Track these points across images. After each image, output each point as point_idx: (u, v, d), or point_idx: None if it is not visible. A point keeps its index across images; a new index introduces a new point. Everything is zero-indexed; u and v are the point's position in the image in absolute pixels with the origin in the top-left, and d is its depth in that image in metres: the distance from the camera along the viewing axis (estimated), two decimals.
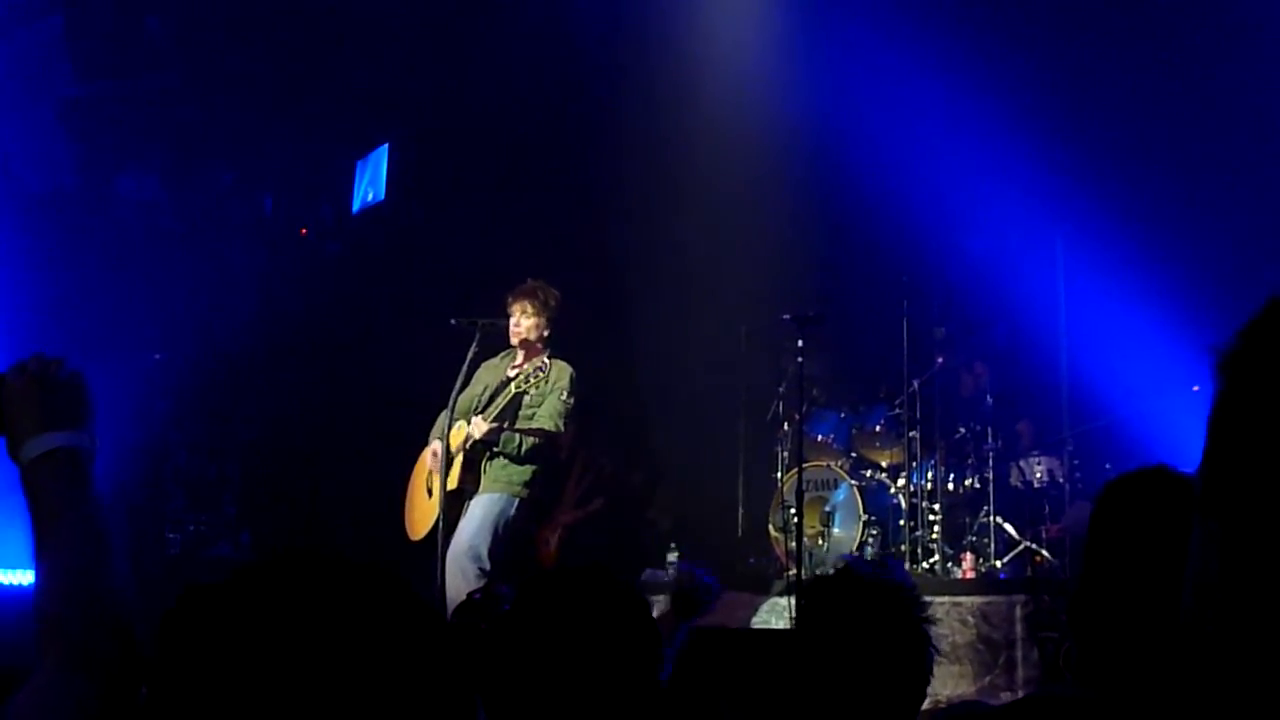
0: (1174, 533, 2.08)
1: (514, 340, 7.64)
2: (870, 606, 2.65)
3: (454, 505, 7.38)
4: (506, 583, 7.21)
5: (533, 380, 7.41)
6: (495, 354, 7.80)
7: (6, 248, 9.34)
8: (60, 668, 1.66)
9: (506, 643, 1.94)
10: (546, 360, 7.54)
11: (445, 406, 7.59)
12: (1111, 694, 1.98)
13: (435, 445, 7.57)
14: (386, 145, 10.97)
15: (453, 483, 7.36)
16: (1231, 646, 0.78)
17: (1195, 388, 8.56)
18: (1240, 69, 9.16)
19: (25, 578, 8.42)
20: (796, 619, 2.80)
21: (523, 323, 7.60)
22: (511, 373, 7.60)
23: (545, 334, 7.65)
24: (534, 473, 7.57)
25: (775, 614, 8.58)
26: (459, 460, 7.37)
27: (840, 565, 2.94)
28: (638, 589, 2.05)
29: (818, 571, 8.55)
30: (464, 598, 6.86)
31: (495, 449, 7.45)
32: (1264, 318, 0.87)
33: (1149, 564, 2.11)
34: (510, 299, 7.69)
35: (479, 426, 7.37)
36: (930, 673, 2.68)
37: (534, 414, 7.47)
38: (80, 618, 1.70)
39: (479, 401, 7.56)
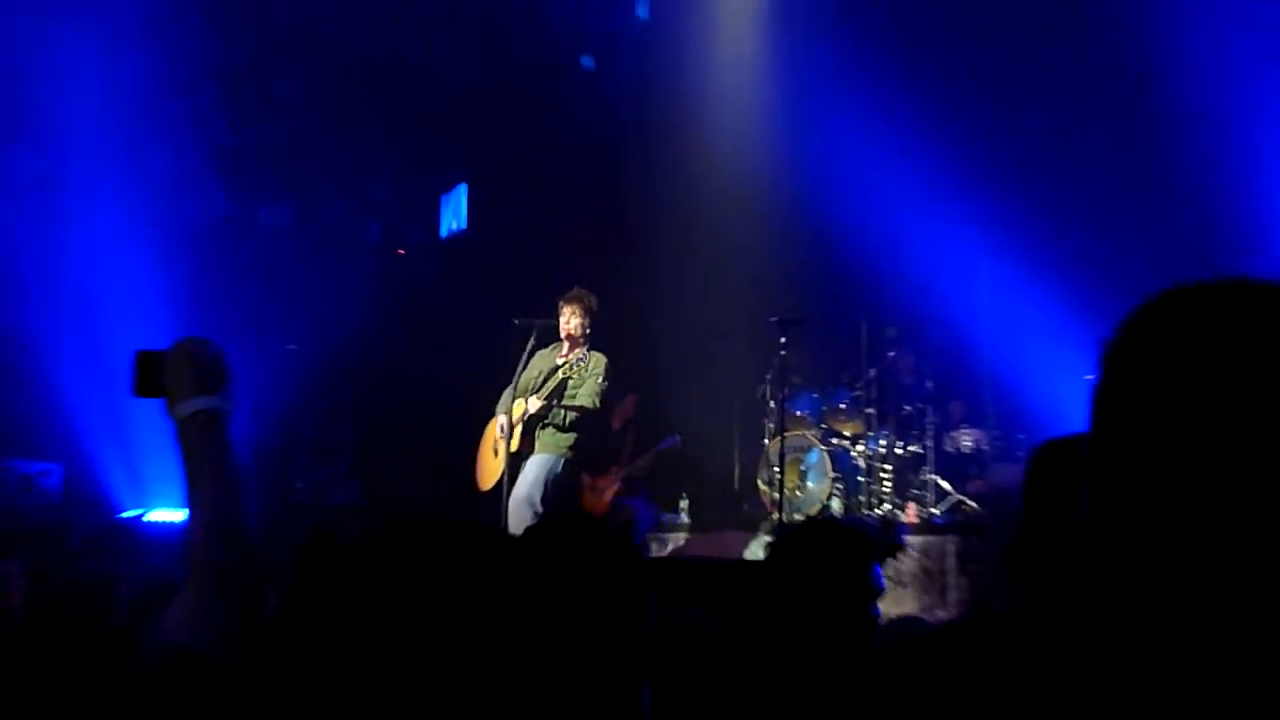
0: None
1: (562, 334, 7.59)
2: (824, 545, 2.60)
3: (514, 464, 7.33)
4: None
5: (576, 368, 7.40)
6: (547, 345, 7.71)
7: (176, 264, 9.33)
8: (202, 589, 1.67)
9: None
10: (586, 352, 7.52)
11: (509, 386, 7.56)
12: (1047, 611, 1.98)
13: (501, 419, 7.52)
14: (465, 184, 10.96)
15: (514, 446, 7.32)
16: (1107, 577, 0.79)
17: (1087, 376, 8.44)
18: (1132, 118, 9.00)
19: (177, 516, 8.38)
20: (768, 553, 2.70)
21: (571, 321, 7.55)
22: (559, 361, 7.56)
23: (587, 331, 7.59)
24: (576, 439, 7.51)
25: (762, 548, 8.50)
26: (518, 430, 7.32)
27: (805, 516, 2.91)
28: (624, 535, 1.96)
29: (795, 516, 8.51)
30: None
31: (546, 420, 7.40)
32: (1132, 320, 0.85)
33: (1072, 512, 2.00)
34: (561, 302, 7.64)
35: (534, 403, 7.34)
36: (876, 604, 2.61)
37: (576, 394, 7.42)
38: (218, 548, 1.69)
39: (534, 383, 7.52)
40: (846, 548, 2.59)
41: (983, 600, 7.64)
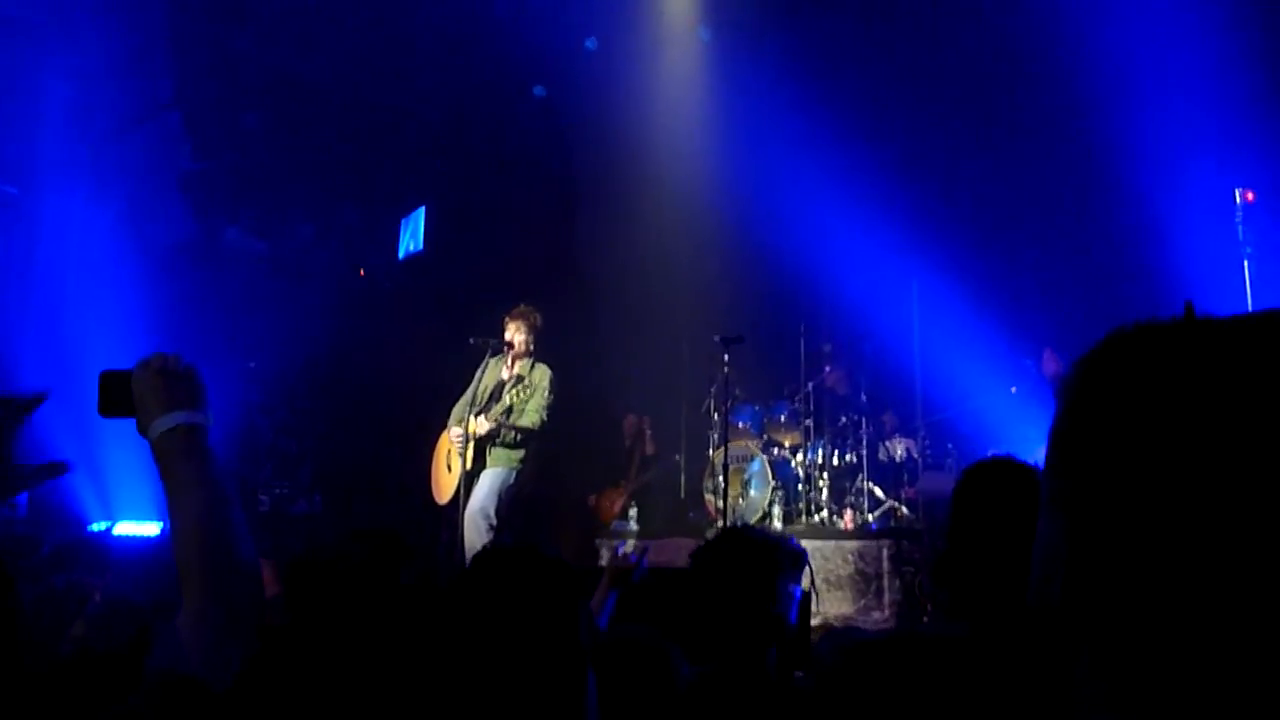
0: (1018, 510, 2.01)
1: (507, 348, 7.56)
2: (738, 552, 2.62)
3: (469, 480, 7.29)
4: (511, 534, 7.15)
5: (521, 389, 7.35)
6: (496, 355, 7.67)
7: (140, 286, 9.21)
8: (200, 605, 1.56)
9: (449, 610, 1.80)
10: (531, 364, 7.52)
11: (460, 399, 7.58)
12: (974, 632, 1.95)
13: (455, 429, 7.48)
14: (424, 207, 10.92)
15: (468, 464, 7.28)
16: (1073, 610, 0.79)
17: (1013, 389, 8.57)
18: (1063, 144, 9.15)
19: (146, 529, 8.24)
20: (691, 563, 2.73)
21: (515, 336, 7.56)
22: (505, 375, 7.53)
23: (531, 346, 7.59)
24: (526, 453, 7.48)
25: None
26: (471, 448, 7.30)
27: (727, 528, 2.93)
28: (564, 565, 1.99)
29: (737, 523, 8.54)
30: (479, 548, 6.83)
31: (496, 440, 7.37)
32: (1094, 354, 0.82)
33: (1000, 534, 2.04)
34: (506, 318, 7.65)
35: (482, 425, 7.31)
36: (788, 597, 2.62)
37: (523, 412, 7.38)
38: (212, 563, 1.59)
39: (483, 398, 7.47)
40: (757, 559, 2.61)
41: (916, 601, 7.70)
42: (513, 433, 7.35)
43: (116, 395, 1.77)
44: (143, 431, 1.72)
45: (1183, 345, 0.79)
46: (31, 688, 1.34)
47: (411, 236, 11.03)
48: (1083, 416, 0.81)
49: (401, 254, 11.12)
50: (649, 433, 10.29)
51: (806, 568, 2.74)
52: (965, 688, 1.77)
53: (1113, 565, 0.77)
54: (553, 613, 1.67)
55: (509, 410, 7.36)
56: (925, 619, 7.44)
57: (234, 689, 1.49)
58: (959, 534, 2.14)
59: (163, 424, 1.69)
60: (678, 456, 9.91)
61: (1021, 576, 1.89)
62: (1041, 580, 0.84)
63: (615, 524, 9.57)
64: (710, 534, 8.51)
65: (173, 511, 1.64)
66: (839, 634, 3.02)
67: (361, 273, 11.22)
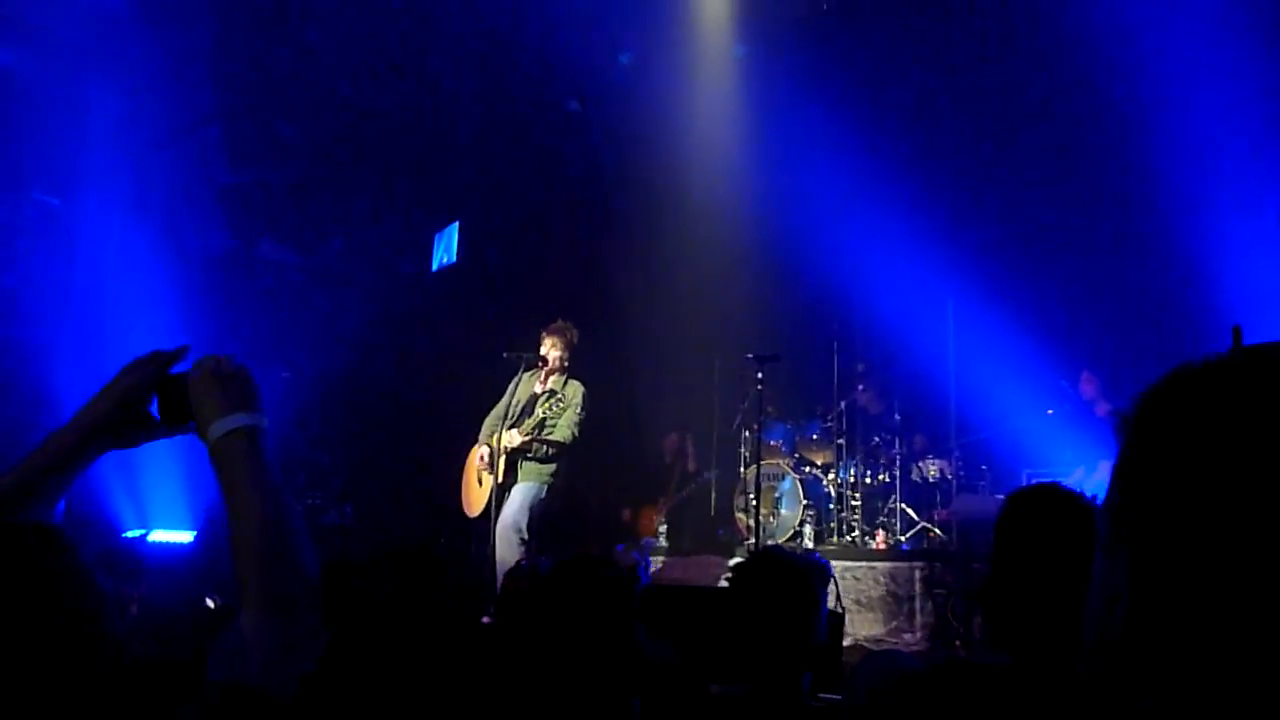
0: (1065, 539, 1.99)
1: (541, 363, 7.55)
2: (777, 575, 2.61)
3: (500, 494, 7.28)
4: (545, 554, 7.14)
5: (554, 403, 7.33)
6: (530, 369, 7.66)
7: (177, 296, 9.30)
8: (259, 612, 1.50)
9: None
10: (564, 380, 7.50)
11: (492, 412, 7.59)
12: (1018, 662, 1.93)
13: (484, 449, 7.48)
14: (458, 222, 10.97)
15: (500, 478, 7.28)
16: (1136, 644, 0.79)
17: (1049, 411, 8.49)
18: (1102, 166, 9.08)
19: (181, 536, 8.30)
20: (729, 583, 2.73)
21: (551, 352, 7.55)
22: (538, 389, 7.52)
23: (565, 363, 7.58)
24: (557, 468, 7.46)
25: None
26: (502, 461, 7.30)
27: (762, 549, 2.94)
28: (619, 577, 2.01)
29: (768, 542, 8.50)
30: (511, 562, 6.83)
31: (528, 454, 7.36)
32: (1158, 392, 0.82)
33: (1045, 563, 2.02)
34: (544, 333, 7.64)
35: (514, 439, 7.30)
36: (821, 623, 2.63)
37: (555, 427, 7.37)
38: (273, 568, 1.53)
39: (515, 412, 7.48)
40: (795, 582, 2.61)
41: (948, 624, 7.63)
42: (544, 447, 7.36)
43: (175, 402, 1.73)
44: (201, 435, 1.67)
45: (1248, 382, 0.79)
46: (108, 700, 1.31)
47: (445, 249, 11.09)
48: (1150, 456, 0.82)
49: (435, 266, 11.17)
50: (691, 450, 10.27)
51: (831, 583, 2.74)
52: (1012, 718, 1.75)
53: (1181, 604, 0.77)
54: (614, 628, 1.67)
55: (541, 425, 7.36)
56: (958, 642, 7.37)
57: (298, 698, 1.44)
58: (1003, 561, 2.12)
59: (222, 426, 1.64)
60: (715, 471, 9.91)
61: (1067, 607, 1.87)
62: (1100, 616, 0.84)
63: (644, 540, 9.56)
64: (741, 553, 8.51)
65: (232, 515, 1.59)
66: (879, 659, 3.00)
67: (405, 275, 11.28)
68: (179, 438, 1.79)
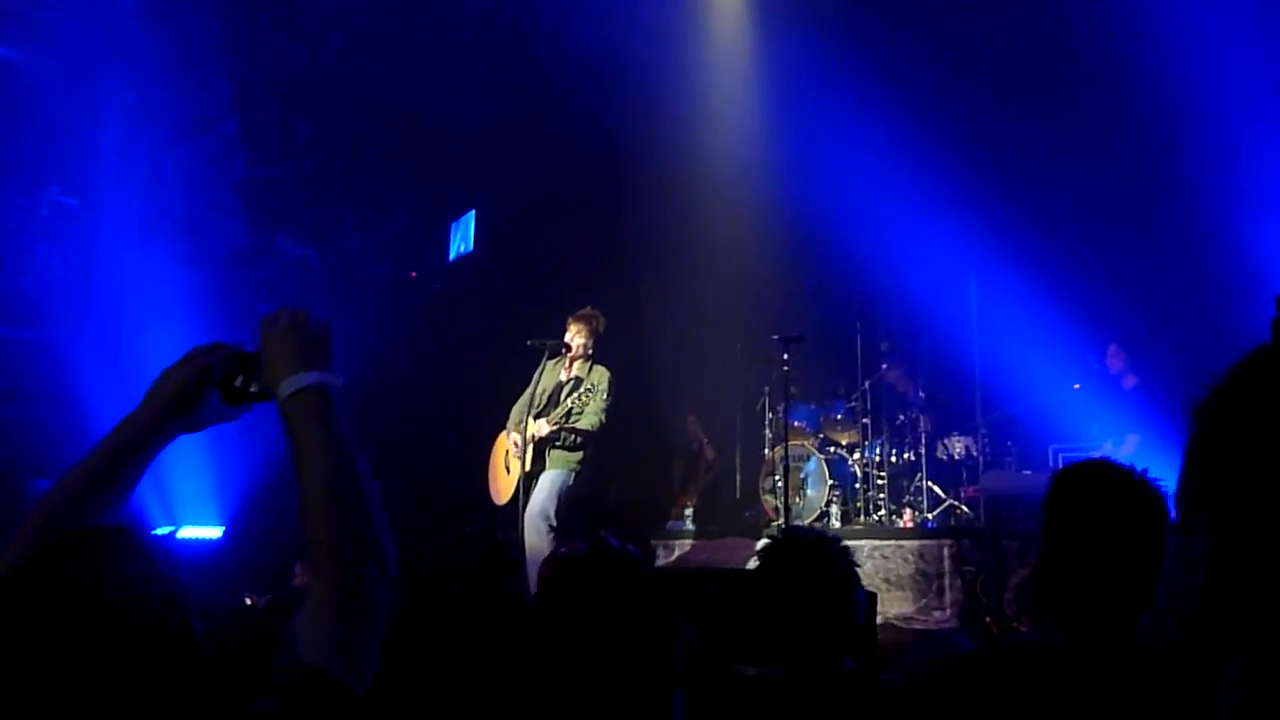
0: (1118, 516, 1.97)
1: (565, 350, 7.53)
2: (804, 555, 2.59)
3: (527, 482, 7.29)
4: (579, 539, 7.15)
5: (580, 392, 7.32)
6: (554, 357, 7.63)
7: (196, 292, 9.32)
8: (328, 596, 1.40)
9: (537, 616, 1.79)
10: (589, 366, 7.47)
11: (518, 401, 7.56)
12: (1076, 640, 1.90)
13: (514, 435, 7.48)
14: (474, 210, 10.95)
15: (527, 467, 7.28)
16: (1219, 628, 0.76)
17: (1076, 386, 8.43)
18: (1129, 138, 8.98)
19: (209, 533, 8.33)
20: (757, 565, 2.70)
21: (575, 339, 7.51)
22: (563, 377, 7.50)
23: (590, 350, 7.55)
24: (584, 455, 7.45)
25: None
26: (529, 450, 7.29)
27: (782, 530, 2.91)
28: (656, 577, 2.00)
29: (795, 522, 8.48)
30: (540, 549, 6.84)
31: (555, 442, 7.35)
32: (1233, 380, 0.81)
33: (1101, 540, 2.00)
34: (570, 320, 7.59)
35: (541, 428, 7.28)
36: (858, 601, 2.59)
37: (582, 413, 7.36)
38: (343, 536, 1.43)
39: (541, 402, 7.47)
40: (826, 557, 2.59)
41: (978, 601, 7.61)
42: (572, 435, 7.35)
43: (247, 377, 1.67)
44: (272, 390, 1.59)
45: None
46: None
47: (462, 239, 11.08)
48: (1231, 442, 0.81)
49: (452, 255, 11.16)
50: (705, 439, 10.30)
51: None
52: (1075, 696, 1.73)
53: (1267, 586, 0.77)
54: (654, 625, 1.67)
55: (568, 413, 7.35)
56: (988, 619, 7.34)
57: (371, 691, 1.36)
58: (1056, 540, 2.10)
59: (293, 384, 1.56)
60: (735, 452, 9.93)
61: (1124, 583, 1.85)
62: (1176, 598, 0.85)
63: (671, 524, 9.57)
64: (768, 534, 8.50)
65: (301, 479, 1.49)
66: (933, 642, 2.98)
67: (413, 275, 11.28)
68: (204, 431, 1.74)
